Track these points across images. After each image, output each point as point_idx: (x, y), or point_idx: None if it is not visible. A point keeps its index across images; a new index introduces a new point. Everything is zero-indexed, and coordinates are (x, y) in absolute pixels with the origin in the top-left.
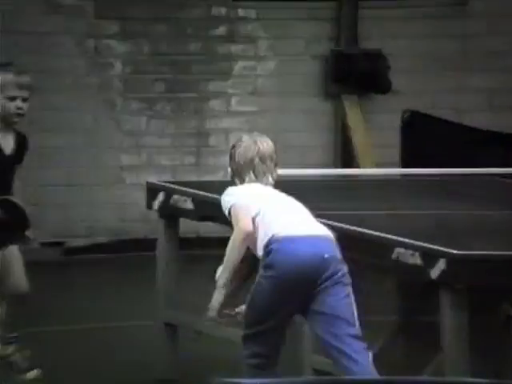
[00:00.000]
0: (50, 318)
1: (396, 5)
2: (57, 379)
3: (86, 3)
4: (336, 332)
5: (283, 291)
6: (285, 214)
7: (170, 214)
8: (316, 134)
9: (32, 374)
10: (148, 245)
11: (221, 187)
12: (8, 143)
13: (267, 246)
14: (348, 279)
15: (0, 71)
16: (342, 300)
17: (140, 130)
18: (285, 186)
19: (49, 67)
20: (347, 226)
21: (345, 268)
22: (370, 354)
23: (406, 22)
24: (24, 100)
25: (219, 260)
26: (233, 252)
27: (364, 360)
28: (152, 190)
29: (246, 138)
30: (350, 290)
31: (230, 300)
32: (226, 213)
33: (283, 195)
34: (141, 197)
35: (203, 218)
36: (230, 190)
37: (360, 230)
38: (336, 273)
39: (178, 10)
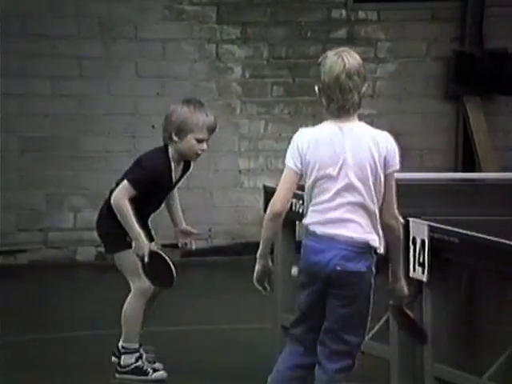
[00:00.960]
0: (168, 318)
1: None
2: (173, 379)
3: (209, 9)
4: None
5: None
6: (330, 201)
7: (287, 218)
8: (436, 136)
9: (158, 374)
10: None
11: None
12: (178, 173)
13: (304, 229)
14: (361, 294)
15: (196, 109)
16: (341, 312)
17: (258, 133)
18: (403, 189)
19: (170, 72)
20: (468, 232)
21: (361, 282)
22: (337, 376)
23: None
24: (207, 142)
25: None
26: (264, 228)
27: (322, 376)
28: (269, 194)
29: (331, 54)
30: (357, 302)
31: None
32: None
33: (350, 148)
34: (258, 200)
35: None
36: (292, 144)
37: (482, 236)
38: (345, 286)
39: (298, 14)
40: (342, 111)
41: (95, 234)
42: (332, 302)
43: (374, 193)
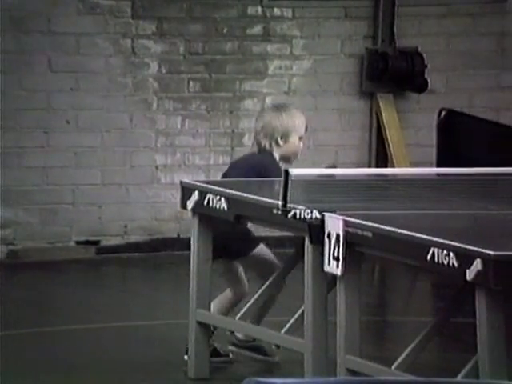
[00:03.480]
0: (83, 316)
1: (433, 2)
2: (89, 376)
3: (123, 3)
4: None
5: None
6: None
7: (204, 214)
8: (350, 133)
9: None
10: (181, 244)
11: (255, 187)
12: None
13: None
14: None
15: (291, 113)
16: None
17: (174, 129)
18: (319, 185)
19: (85, 67)
20: (381, 226)
21: None
22: None
23: (443, 20)
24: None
25: None
26: None
27: None
28: (186, 190)
29: None
30: None
31: None
32: None
33: None
34: (175, 196)
35: (237, 218)
36: None
37: (394, 230)
38: None
39: (214, 10)
40: None
41: (6, 232)
42: None
43: None
